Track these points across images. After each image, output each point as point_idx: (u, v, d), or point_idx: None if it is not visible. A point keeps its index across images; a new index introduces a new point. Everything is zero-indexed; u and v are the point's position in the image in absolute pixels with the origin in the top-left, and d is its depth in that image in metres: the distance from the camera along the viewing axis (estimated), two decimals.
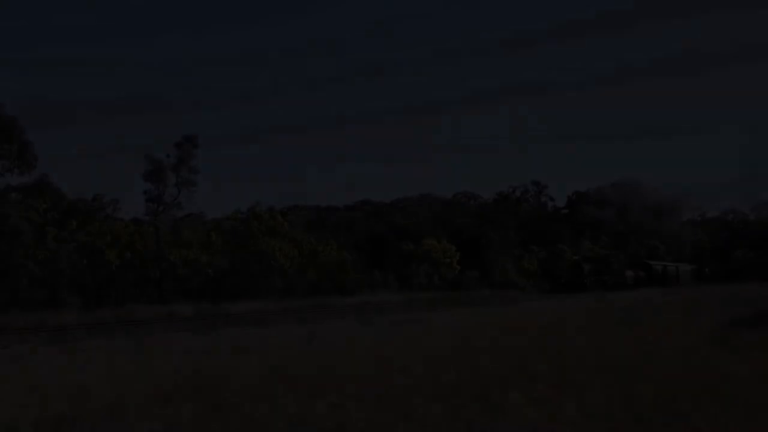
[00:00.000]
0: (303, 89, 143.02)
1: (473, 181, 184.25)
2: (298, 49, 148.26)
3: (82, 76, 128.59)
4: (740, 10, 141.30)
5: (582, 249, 66.81)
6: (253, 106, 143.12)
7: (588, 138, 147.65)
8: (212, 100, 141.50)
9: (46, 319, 21.23)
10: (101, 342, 15.30)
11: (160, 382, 7.47)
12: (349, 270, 43.30)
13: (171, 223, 34.91)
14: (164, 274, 33.28)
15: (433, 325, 17.71)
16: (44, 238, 28.53)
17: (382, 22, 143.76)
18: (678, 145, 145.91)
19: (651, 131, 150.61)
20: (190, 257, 34.23)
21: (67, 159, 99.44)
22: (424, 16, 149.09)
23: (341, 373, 8.08)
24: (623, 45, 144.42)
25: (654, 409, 5.91)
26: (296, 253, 37.49)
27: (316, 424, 5.63)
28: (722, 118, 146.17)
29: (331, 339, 13.74)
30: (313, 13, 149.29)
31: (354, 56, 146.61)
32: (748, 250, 65.78)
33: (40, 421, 5.95)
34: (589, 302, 30.02)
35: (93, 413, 6.08)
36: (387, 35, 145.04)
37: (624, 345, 10.25)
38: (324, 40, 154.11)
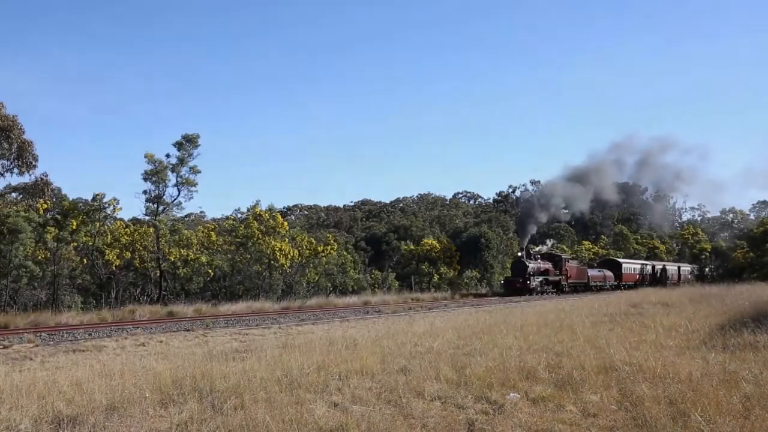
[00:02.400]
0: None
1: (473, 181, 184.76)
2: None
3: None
4: None
5: (581, 249, 66.91)
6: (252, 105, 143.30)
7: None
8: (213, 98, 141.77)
9: (47, 319, 21.22)
10: (101, 342, 15.31)
11: (160, 381, 7.48)
12: (350, 270, 43.35)
13: (171, 223, 34.86)
14: (164, 274, 33.27)
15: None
16: (44, 238, 28.53)
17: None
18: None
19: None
20: (190, 257, 34.22)
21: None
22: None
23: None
24: None
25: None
26: (296, 253, 37.50)
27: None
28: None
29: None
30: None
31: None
32: (749, 250, 65.76)
33: (39, 420, 5.96)
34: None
35: (93, 413, 6.09)
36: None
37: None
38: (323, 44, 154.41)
